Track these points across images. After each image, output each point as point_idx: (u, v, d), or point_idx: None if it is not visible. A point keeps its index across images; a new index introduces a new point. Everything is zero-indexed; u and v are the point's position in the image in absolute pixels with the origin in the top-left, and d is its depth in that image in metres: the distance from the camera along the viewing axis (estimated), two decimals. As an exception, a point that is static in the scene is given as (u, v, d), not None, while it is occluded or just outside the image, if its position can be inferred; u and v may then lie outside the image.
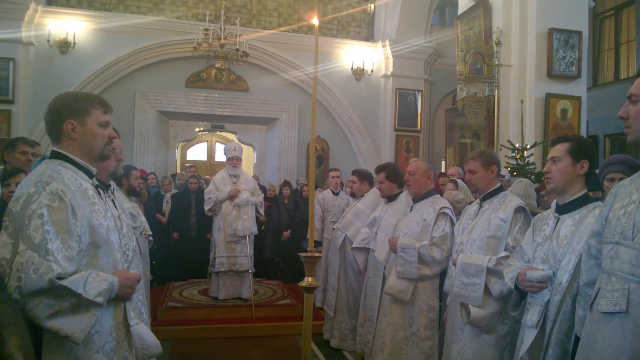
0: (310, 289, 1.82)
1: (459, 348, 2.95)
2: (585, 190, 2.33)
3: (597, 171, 2.72)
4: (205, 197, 6.40)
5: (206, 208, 6.39)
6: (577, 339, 1.89)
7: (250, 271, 6.19)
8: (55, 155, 1.95)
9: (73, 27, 9.20)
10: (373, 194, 5.18)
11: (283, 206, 8.12)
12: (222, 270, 6.22)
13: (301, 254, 1.83)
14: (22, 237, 1.70)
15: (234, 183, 6.40)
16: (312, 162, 1.87)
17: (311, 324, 1.82)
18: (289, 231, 7.94)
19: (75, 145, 1.95)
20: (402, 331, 3.51)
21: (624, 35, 10.82)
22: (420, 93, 10.90)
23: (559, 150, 2.37)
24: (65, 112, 1.94)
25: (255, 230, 6.39)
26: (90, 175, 2.01)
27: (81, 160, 1.96)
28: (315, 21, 1.89)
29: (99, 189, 2.03)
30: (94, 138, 1.97)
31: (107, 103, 2.06)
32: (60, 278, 1.68)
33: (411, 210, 3.75)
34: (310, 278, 1.82)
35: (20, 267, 1.66)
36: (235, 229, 6.21)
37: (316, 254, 1.87)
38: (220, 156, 13.61)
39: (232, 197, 6.26)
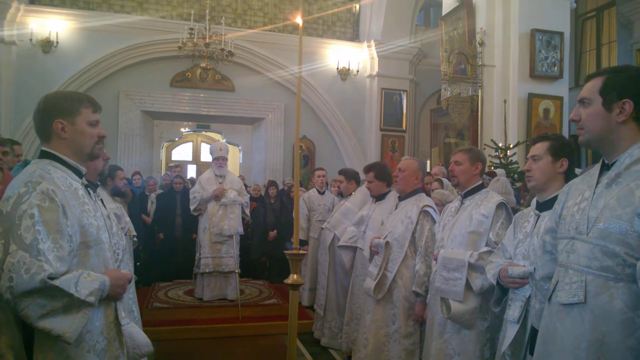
0: (295, 286, 1.83)
1: (440, 344, 2.97)
2: (565, 188, 2.38)
3: (577, 171, 2.77)
4: (190, 196, 6.37)
5: (191, 207, 6.36)
6: (534, 331, 1.97)
7: (236, 271, 6.18)
8: (44, 155, 1.94)
9: (56, 26, 9.12)
10: (361, 192, 5.21)
11: (269, 206, 8.12)
12: (207, 271, 6.17)
13: (286, 251, 1.85)
14: (13, 238, 1.69)
15: (220, 183, 6.35)
16: (296, 158, 1.89)
17: (297, 321, 1.84)
18: (275, 231, 7.95)
19: (64, 144, 1.94)
20: (385, 328, 3.55)
21: (605, 36, 10.99)
22: (405, 93, 10.98)
23: (539, 148, 2.42)
24: (55, 112, 1.93)
25: (241, 230, 6.37)
26: (80, 174, 2.00)
27: (71, 160, 1.96)
28: (299, 20, 1.90)
29: (88, 189, 2.02)
30: (84, 137, 1.97)
31: (96, 102, 2.05)
32: (51, 278, 1.68)
33: (396, 208, 3.78)
34: (295, 275, 1.83)
35: (12, 267, 1.66)
36: (221, 229, 6.16)
37: (301, 251, 1.89)
38: (205, 156, 13.57)
39: (217, 196, 6.23)
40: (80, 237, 1.85)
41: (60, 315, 1.71)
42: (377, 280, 3.56)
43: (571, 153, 2.42)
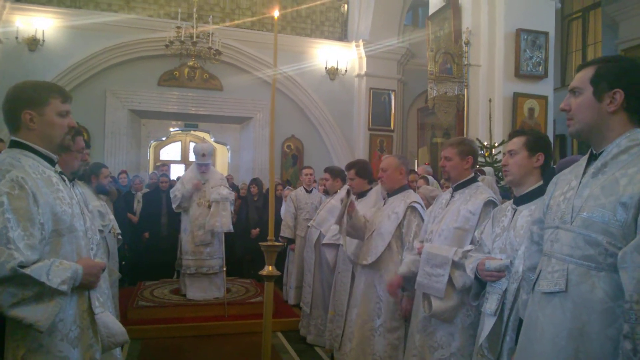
0: (270, 277, 1.84)
1: (423, 337, 2.99)
2: (541, 182, 2.40)
3: (555, 167, 2.80)
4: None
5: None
6: (522, 322, 1.97)
7: (223, 268, 6.11)
8: (14, 145, 1.92)
9: (42, 24, 9.05)
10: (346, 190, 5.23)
11: (252, 203, 8.09)
12: (189, 272, 6.10)
13: (261, 243, 1.86)
14: None
15: (203, 184, 6.22)
16: (271, 151, 1.90)
17: (271, 312, 1.85)
18: (257, 229, 7.90)
19: (34, 135, 1.92)
20: (370, 322, 3.56)
21: (591, 37, 11.10)
22: (393, 93, 11.00)
23: (516, 143, 2.45)
24: (23, 102, 1.91)
25: (231, 227, 6.23)
26: (52, 163, 1.98)
27: (41, 148, 1.93)
28: (276, 13, 1.91)
29: (62, 177, 2.00)
30: (53, 128, 1.95)
31: (65, 91, 2.03)
32: (22, 266, 1.67)
33: (384, 204, 3.80)
34: (270, 267, 1.84)
35: None
36: (213, 225, 6.01)
37: (276, 243, 1.90)
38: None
39: (197, 188, 6.11)
40: (53, 225, 1.83)
41: (32, 304, 1.70)
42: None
43: (547, 148, 2.44)
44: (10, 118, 1.93)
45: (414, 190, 4.50)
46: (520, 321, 2.00)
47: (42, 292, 1.72)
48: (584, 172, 1.71)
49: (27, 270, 1.68)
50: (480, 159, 6.31)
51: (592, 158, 1.73)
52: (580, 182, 1.70)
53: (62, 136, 1.98)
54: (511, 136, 2.52)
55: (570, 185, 1.74)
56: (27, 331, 1.76)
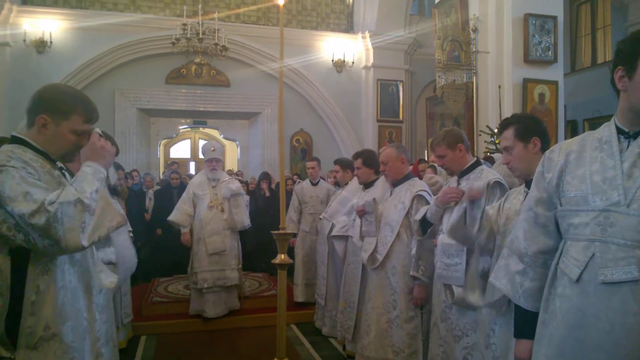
0: (283, 265, 1.84)
1: (447, 325, 2.96)
2: (548, 164, 2.35)
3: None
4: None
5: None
6: (522, 311, 1.87)
7: (239, 266, 5.82)
8: (14, 141, 1.89)
9: (49, 26, 9.12)
10: (356, 181, 5.21)
11: (260, 197, 8.09)
12: (206, 286, 5.51)
13: (273, 232, 1.85)
14: (5, 202, 1.65)
15: (213, 187, 5.73)
16: (281, 137, 1.89)
17: (285, 300, 1.84)
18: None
19: (42, 138, 1.89)
20: (386, 314, 3.55)
21: (600, 21, 10.97)
22: (401, 83, 10.95)
23: (507, 138, 2.37)
24: (45, 106, 1.87)
25: (248, 222, 5.85)
26: (52, 160, 1.94)
27: (41, 147, 1.90)
28: (280, 1, 1.89)
29: (64, 172, 1.97)
30: (61, 141, 1.91)
31: (92, 112, 1.96)
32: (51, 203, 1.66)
33: (391, 194, 3.79)
34: (282, 255, 1.83)
35: (25, 221, 1.63)
36: (237, 222, 5.69)
37: (288, 231, 1.89)
38: (204, 153, 13.55)
39: (185, 240, 5.68)
40: None
41: (92, 222, 1.73)
42: (370, 253, 3.64)
43: (539, 129, 2.36)
44: (29, 114, 1.90)
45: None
46: (522, 310, 1.87)
47: (85, 205, 1.72)
48: (620, 151, 1.60)
49: (58, 200, 1.66)
50: (491, 146, 6.26)
51: (624, 135, 1.61)
52: (621, 161, 1.58)
53: (67, 150, 1.95)
54: (500, 129, 2.44)
55: (603, 164, 1.61)
56: (39, 320, 1.76)
